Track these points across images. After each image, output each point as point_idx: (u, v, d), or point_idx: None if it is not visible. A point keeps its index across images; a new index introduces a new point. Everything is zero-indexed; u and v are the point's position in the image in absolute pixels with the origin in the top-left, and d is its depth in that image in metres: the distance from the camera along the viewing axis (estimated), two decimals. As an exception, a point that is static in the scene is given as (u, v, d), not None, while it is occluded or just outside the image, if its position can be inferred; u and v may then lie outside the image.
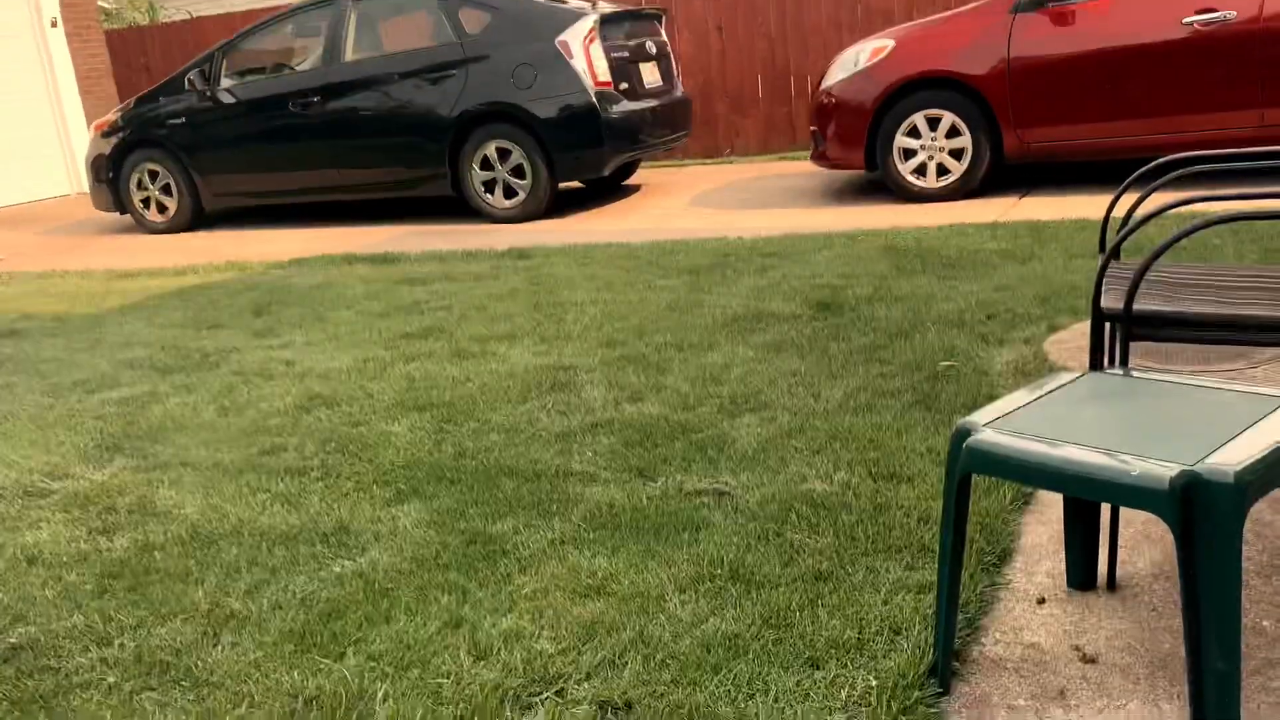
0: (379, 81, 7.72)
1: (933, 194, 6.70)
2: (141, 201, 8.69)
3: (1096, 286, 2.27)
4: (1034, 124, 6.42)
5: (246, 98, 8.14)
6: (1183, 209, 5.13)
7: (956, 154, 6.61)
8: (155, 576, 2.58)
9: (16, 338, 5.34)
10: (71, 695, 2.12)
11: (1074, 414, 1.84)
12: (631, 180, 9.11)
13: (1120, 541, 2.39)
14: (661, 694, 1.95)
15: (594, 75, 7.33)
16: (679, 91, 8.36)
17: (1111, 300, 2.27)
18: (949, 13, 6.93)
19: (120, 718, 2.03)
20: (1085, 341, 3.68)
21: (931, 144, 6.63)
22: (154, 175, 8.57)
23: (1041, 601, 2.19)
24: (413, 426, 3.46)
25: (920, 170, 6.71)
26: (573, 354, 4.12)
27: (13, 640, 2.34)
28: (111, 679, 2.16)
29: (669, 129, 8.01)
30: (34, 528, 2.94)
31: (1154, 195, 2.72)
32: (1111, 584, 2.23)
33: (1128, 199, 5.28)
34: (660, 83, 8.07)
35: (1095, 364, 2.32)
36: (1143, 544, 2.39)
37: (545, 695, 1.98)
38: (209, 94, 8.25)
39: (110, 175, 8.67)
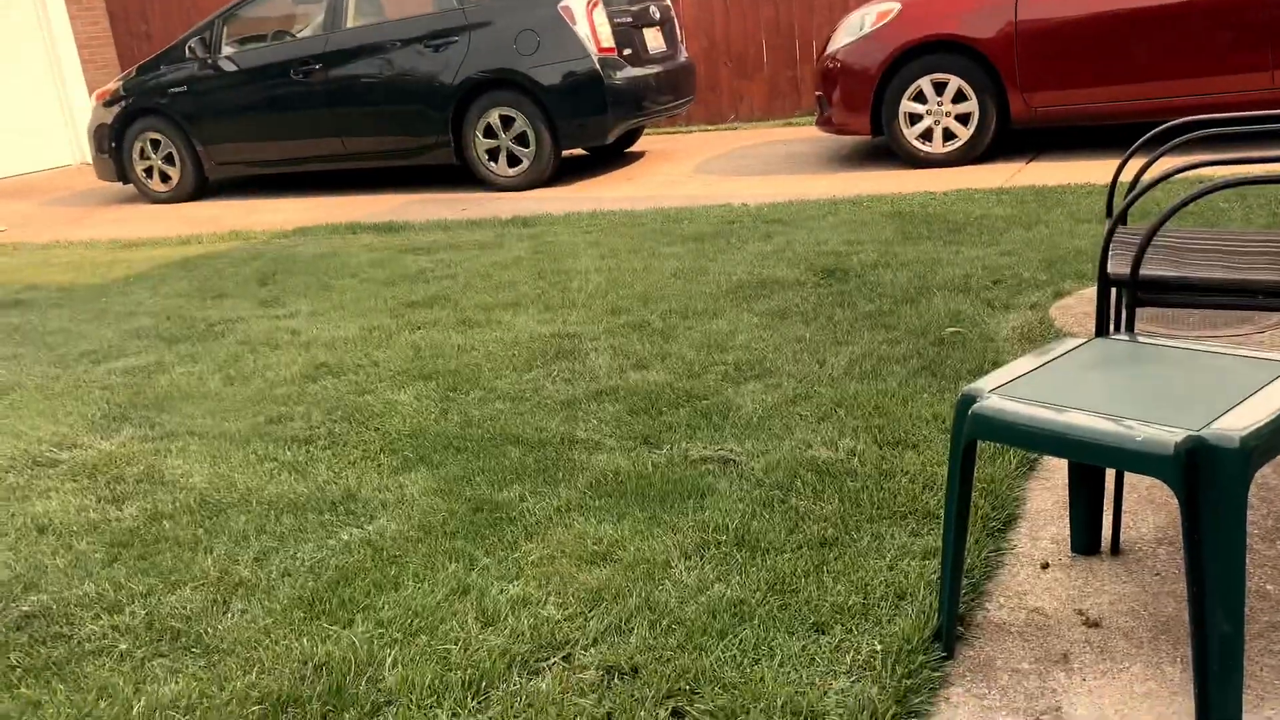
0: (381, 48, 7.67)
1: (939, 159, 6.66)
2: (144, 171, 8.67)
3: (1103, 251, 2.26)
4: (1041, 88, 6.36)
5: (248, 65, 8.09)
6: (1191, 173, 5.11)
7: (963, 119, 6.57)
8: (164, 545, 2.60)
9: (22, 308, 5.35)
10: (84, 662, 2.15)
11: (1079, 379, 1.84)
12: (635, 147, 9.07)
13: (1124, 506, 2.40)
14: (668, 659, 1.97)
15: (597, 41, 7.27)
16: (683, 57, 8.30)
17: (1118, 265, 2.27)
18: (956, -25, 6.84)
19: (132, 684, 2.05)
20: (1091, 307, 3.68)
21: (937, 109, 6.58)
22: (156, 144, 8.54)
23: (1045, 566, 2.20)
24: (419, 395, 3.47)
25: (926, 135, 6.67)
26: (577, 322, 4.12)
27: (25, 608, 2.37)
28: (123, 646, 2.19)
29: (673, 95, 7.95)
30: (43, 497, 2.96)
31: (1162, 159, 2.70)
32: (1115, 549, 2.24)
33: (1135, 163, 5.26)
34: (664, 48, 8.00)
35: (1101, 329, 2.32)
36: (1146, 509, 2.39)
37: (552, 660, 2.00)
38: (210, 62, 8.21)
39: (113, 145, 8.64)
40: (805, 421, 2.96)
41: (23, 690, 2.06)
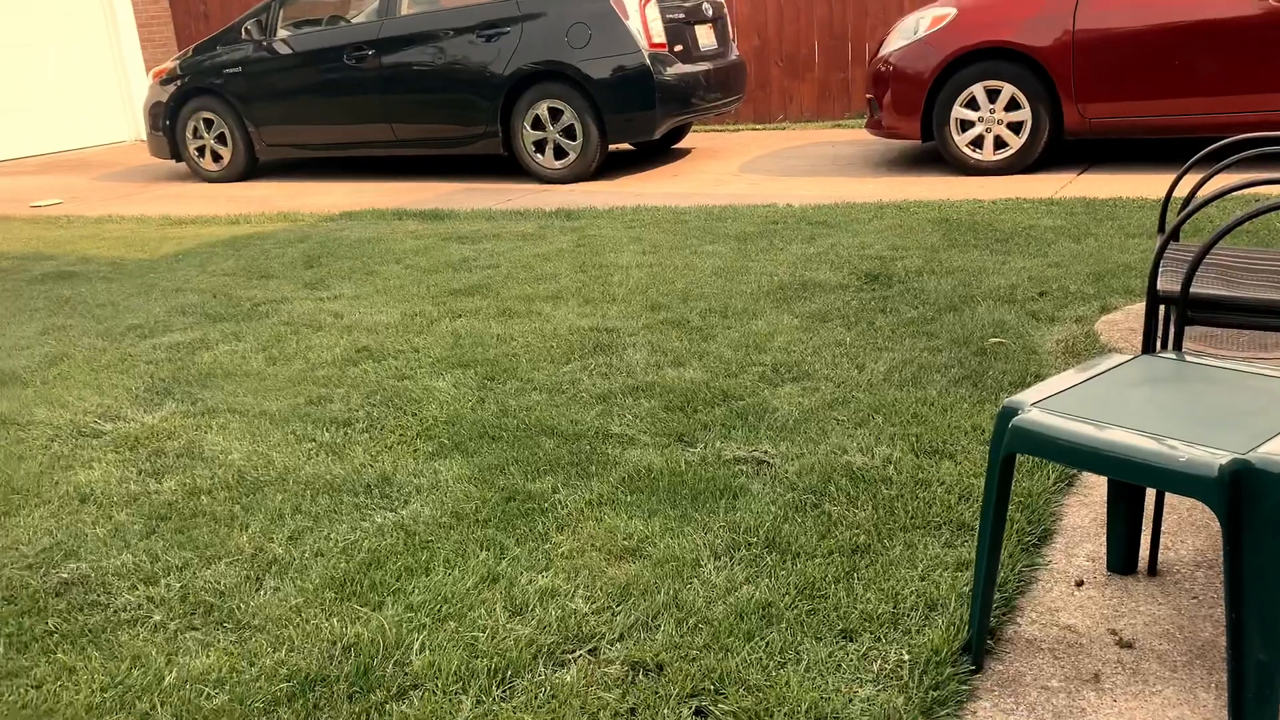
0: (433, 36, 7.72)
1: (988, 167, 6.59)
2: (196, 150, 8.79)
3: (1154, 267, 2.22)
4: (1097, 99, 6.27)
5: (302, 49, 8.18)
6: (1247, 191, 5.02)
7: (1015, 127, 6.49)
8: (201, 519, 2.64)
9: (74, 280, 5.45)
10: (119, 631, 2.18)
11: (1124, 397, 1.81)
12: (682, 144, 9.05)
13: (1163, 527, 2.36)
14: (693, 658, 1.96)
15: (648, 36, 7.26)
16: (734, 55, 8.27)
17: (1168, 282, 2.23)
18: (1014, -19, 6.76)
19: (164, 655, 2.08)
20: (1138, 323, 3.62)
21: (990, 116, 6.51)
22: (209, 124, 8.66)
23: (1080, 584, 2.17)
24: (457, 382, 3.49)
25: (977, 142, 6.60)
26: (616, 316, 4.12)
27: (64, 575, 2.41)
28: (157, 617, 2.22)
29: (722, 92, 7.93)
30: (86, 467, 3.01)
31: (1218, 176, 2.65)
32: (1153, 569, 2.20)
33: (1190, 179, 5.17)
34: (715, 45, 7.98)
35: (1148, 347, 2.28)
36: (1186, 530, 2.35)
37: (578, 653, 2.01)
38: (265, 44, 8.30)
39: (167, 123, 8.77)
40: (842, 426, 2.94)
41: (59, 656, 2.10)
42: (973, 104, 6.54)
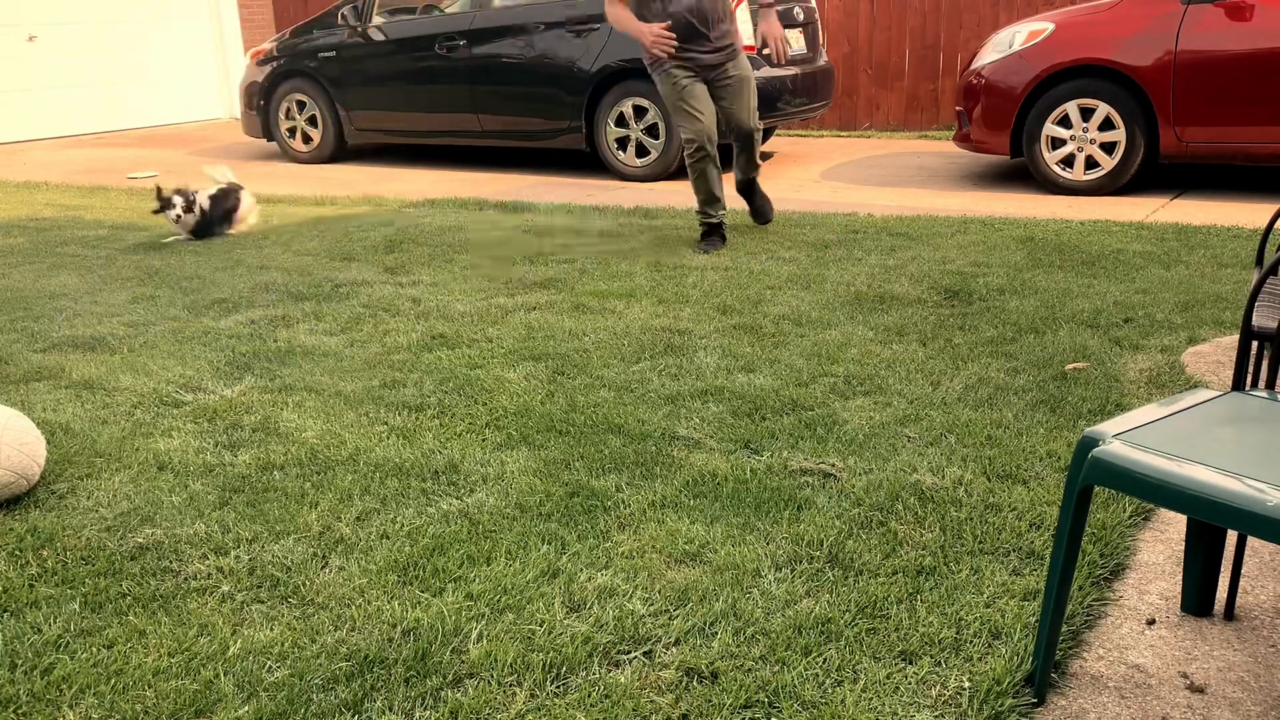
0: (524, 30, 7.78)
1: (1078, 187, 6.44)
2: (288, 130, 8.98)
3: (1250, 302, 2.15)
4: (1196, 122, 6.09)
5: (395, 36, 8.30)
6: (1351, 225, 4.82)
7: (1108, 147, 6.33)
8: (273, 494, 2.70)
9: (164, 252, 5.61)
10: (188, 599, 2.24)
11: (1210, 434, 1.76)
12: (765, 147, 8.99)
13: (1243, 570, 2.28)
14: (749, 669, 1.95)
15: (737, 38, 7.22)
16: (823, 60, 8.20)
17: (1264, 318, 2.16)
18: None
19: (230, 625, 2.13)
20: (1226, 356, 3.51)
21: (1082, 135, 6.36)
22: (302, 106, 8.84)
23: (1151, 622, 2.11)
24: (528, 375, 3.51)
25: (1068, 161, 6.46)
26: (689, 318, 4.11)
27: (140, 540, 2.48)
28: (225, 588, 2.27)
29: (808, 98, 7.87)
30: (166, 435, 3.10)
31: (1323, 210, 2.56)
32: (1230, 613, 2.13)
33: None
34: (804, 50, 7.92)
35: (1239, 383, 2.21)
36: (1267, 575, 2.27)
37: (634, 655, 2.01)
38: (360, 30, 8.45)
39: (261, 103, 8.97)
40: (913, 444, 2.90)
41: (130, 618, 2.16)
42: (1065, 122, 6.40)
